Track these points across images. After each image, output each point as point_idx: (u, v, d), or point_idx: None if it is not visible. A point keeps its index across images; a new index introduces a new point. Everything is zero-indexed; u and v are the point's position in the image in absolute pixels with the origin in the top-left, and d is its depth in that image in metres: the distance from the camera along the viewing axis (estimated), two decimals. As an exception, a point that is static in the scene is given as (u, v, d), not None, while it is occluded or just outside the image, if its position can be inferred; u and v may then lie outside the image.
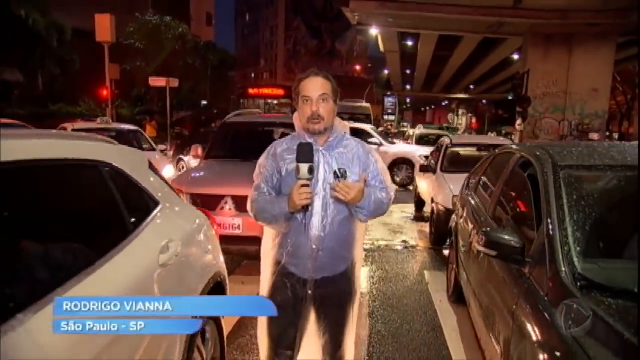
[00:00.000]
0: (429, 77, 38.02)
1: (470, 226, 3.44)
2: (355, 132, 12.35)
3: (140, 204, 2.01)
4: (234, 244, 4.20)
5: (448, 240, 4.78)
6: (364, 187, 1.82)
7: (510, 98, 26.27)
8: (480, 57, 26.57)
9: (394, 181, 11.18)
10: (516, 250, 2.08)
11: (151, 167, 2.34)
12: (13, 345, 1.12)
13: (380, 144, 11.88)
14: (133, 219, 1.87)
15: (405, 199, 8.98)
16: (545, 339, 1.68)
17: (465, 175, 4.58)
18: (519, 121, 16.62)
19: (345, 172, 1.86)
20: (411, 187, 10.40)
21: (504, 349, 2.04)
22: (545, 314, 1.75)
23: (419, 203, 8.01)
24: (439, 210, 5.76)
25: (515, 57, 22.20)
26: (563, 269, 1.82)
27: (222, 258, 2.59)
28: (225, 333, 2.45)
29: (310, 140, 1.84)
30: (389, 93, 41.10)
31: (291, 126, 2.12)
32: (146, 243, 1.84)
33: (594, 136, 14.97)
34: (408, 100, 53.52)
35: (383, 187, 1.94)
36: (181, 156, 10.81)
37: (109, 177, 1.82)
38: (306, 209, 1.78)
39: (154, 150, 8.73)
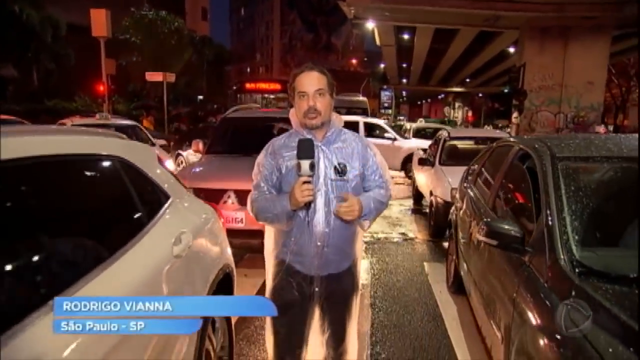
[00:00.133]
0: (425, 71, 37.98)
1: (470, 218, 3.50)
2: (370, 128, 12.37)
3: (152, 198, 2.06)
4: (237, 237, 4.22)
5: (447, 232, 4.84)
6: (360, 198, 1.83)
7: (506, 91, 26.33)
8: (476, 50, 26.58)
9: (406, 175, 11.06)
10: (516, 240, 2.15)
11: (159, 161, 2.39)
12: (28, 342, 1.13)
13: (395, 139, 12.12)
14: (147, 212, 1.92)
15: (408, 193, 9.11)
16: (545, 324, 1.75)
17: (464, 168, 4.63)
18: (515, 114, 16.72)
19: (345, 166, 1.85)
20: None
21: (504, 335, 2.11)
22: (546, 300, 1.82)
23: (417, 196, 8.09)
24: (437, 202, 5.82)
25: (511, 50, 22.21)
26: (562, 256, 1.89)
27: (229, 250, 2.64)
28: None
29: (309, 136, 1.82)
30: (385, 87, 40.89)
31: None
32: (160, 235, 1.89)
33: (600, 129, 15.02)
34: (404, 93, 53.41)
35: (382, 182, 1.95)
36: (180, 151, 10.83)
37: (123, 172, 1.87)
38: (308, 205, 1.76)
39: (153, 145, 8.75)
